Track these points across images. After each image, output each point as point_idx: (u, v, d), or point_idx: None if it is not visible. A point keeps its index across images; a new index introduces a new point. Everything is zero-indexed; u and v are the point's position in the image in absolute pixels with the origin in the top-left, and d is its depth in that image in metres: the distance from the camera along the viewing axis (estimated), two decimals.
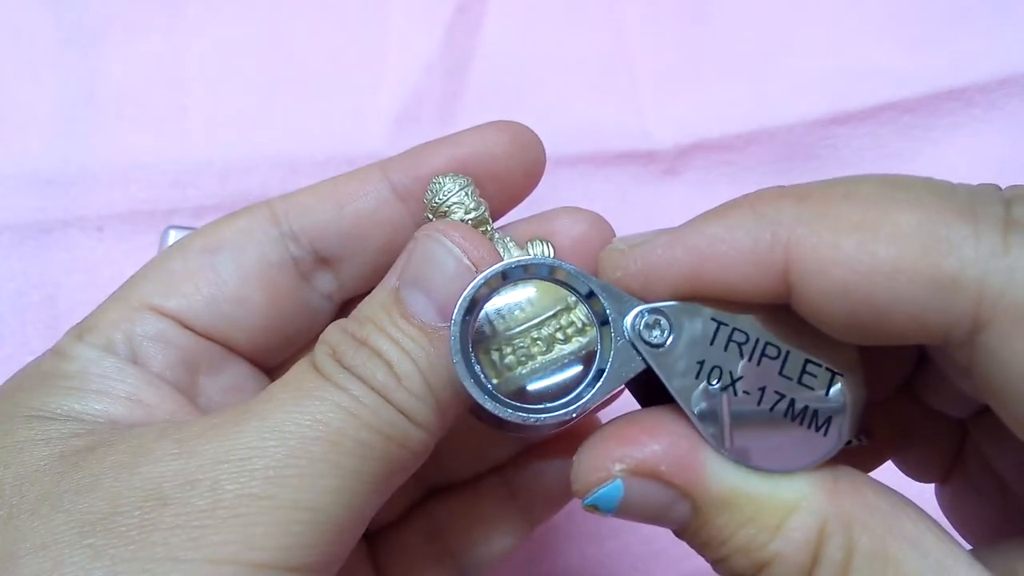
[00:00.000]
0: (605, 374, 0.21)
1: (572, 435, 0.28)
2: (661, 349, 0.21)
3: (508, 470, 0.29)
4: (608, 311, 0.21)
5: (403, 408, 0.22)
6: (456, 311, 0.21)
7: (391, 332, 0.22)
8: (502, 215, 0.27)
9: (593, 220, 0.27)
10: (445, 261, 0.23)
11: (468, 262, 0.22)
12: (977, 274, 0.18)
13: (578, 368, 0.22)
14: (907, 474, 0.26)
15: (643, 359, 0.21)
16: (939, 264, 0.18)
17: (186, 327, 0.25)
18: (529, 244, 0.26)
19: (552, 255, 0.25)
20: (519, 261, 0.22)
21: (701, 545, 0.21)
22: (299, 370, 0.22)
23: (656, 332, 0.21)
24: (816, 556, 0.19)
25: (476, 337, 0.22)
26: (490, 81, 0.43)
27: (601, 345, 0.22)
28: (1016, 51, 0.42)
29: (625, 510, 0.21)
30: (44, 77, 0.42)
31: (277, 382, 0.22)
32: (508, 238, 0.26)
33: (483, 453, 0.29)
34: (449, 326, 0.21)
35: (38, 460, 0.21)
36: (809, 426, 0.21)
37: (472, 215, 0.25)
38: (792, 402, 0.21)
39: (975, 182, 0.20)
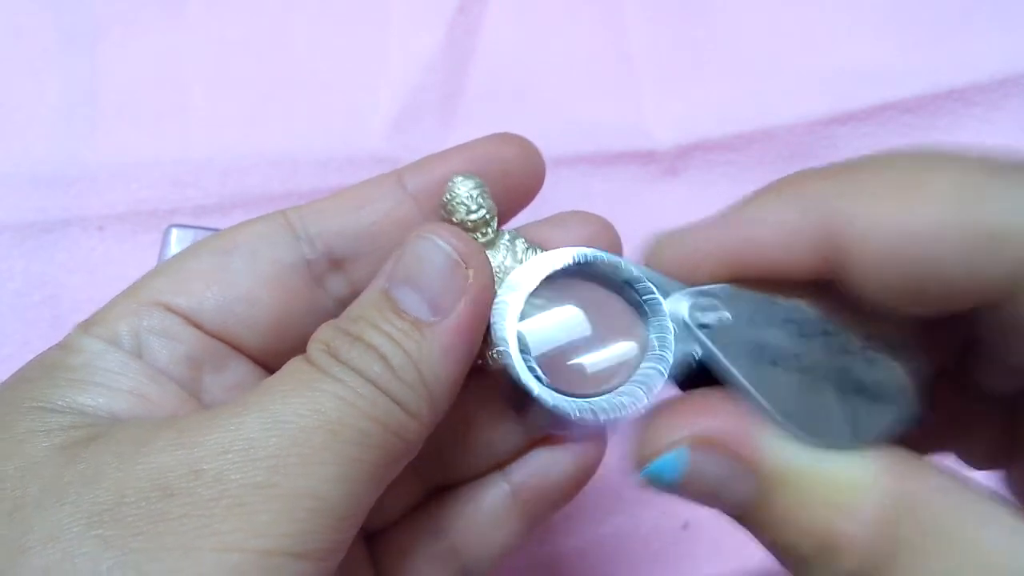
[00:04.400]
0: (671, 360, 0.21)
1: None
2: (717, 330, 0.21)
3: (509, 468, 0.29)
4: (657, 297, 0.21)
5: (399, 399, 0.22)
6: (508, 317, 0.22)
7: (384, 327, 0.23)
8: (507, 219, 0.28)
9: (600, 224, 0.28)
10: (434, 257, 0.23)
11: (457, 257, 0.23)
12: (1019, 223, 0.18)
13: (632, 356, 0.22)
14: (970, 464, 0.25)
15: (701, 342, 0.21)
16: (978, 217, 0.18)
17: (194, 324, 0.25)
18: (525, 252, 0.26)
19: None
20: (571, 254, 0.22)
21: (763, 527, 0.20)
22: (294, 366, 0.23)
23: (711, 314, 0.21)
24: (888, 537, 0.19)
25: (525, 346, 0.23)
26: (490, 81, 0.43)
27: (654, 334, 0.21)
28: (1016, 52, 0.42)
29: (688, 483, 0.20)
30: (45, 77, 0.42)
31: (272, 377, 0.23)
32: (520, 240, 0.26)
33: (485, 451, 0.29)
34: (440, 320, 0.22)
35: (40, 452, 0.21)
36: (871, 401, 0.20)
37: (473, 216, 0.26)
38: (852, 378, 0.20)
39: None
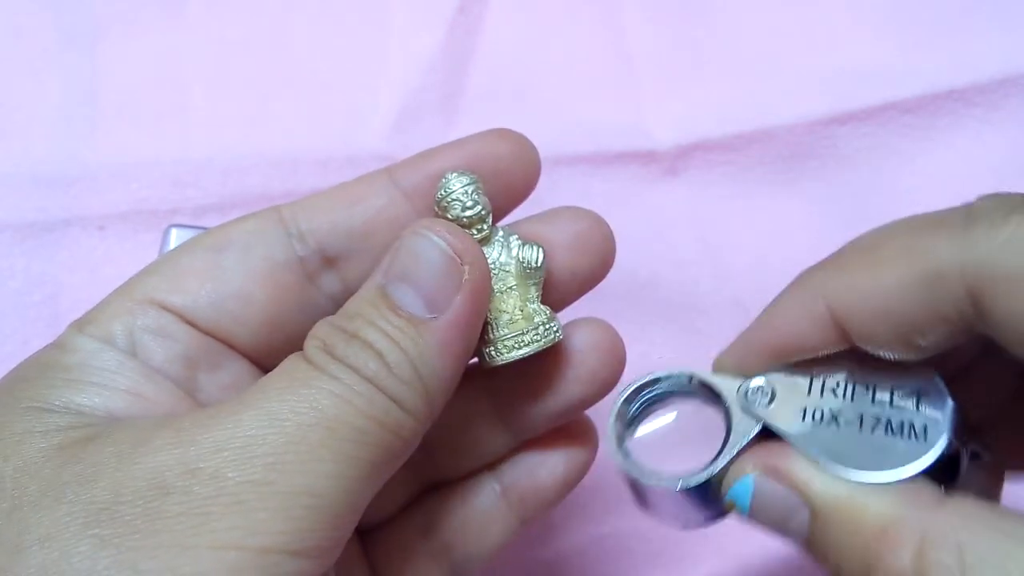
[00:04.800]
0: (731, 438, 0.26)
1: (563, 434, 0.29)
2: (770, 407, 0.25)
3: (500, 468, 0.29)
4: (724, 393, 0.26)
5: (395, 396, 0.22)
6: (612, 426, 0.27)
7: (380, 324, 0.23)
8: (502, 216, 0.28)
9: (592, 219, 0.28)
10: (429, 253, 0.24)
11: (452, 253, 0.24)
12: (950, 263, 0.21)
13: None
14: None
15: (757, 418, 0.25)
16: (919, 266, 0.22)
17: (188, 322, 0.25)
18: (520, 248, 0.26)
19: (542, 259, 0.26)
20: (655, 376, 0.27)
21: (819, 557, 0.23)
22: (290, 363, 0.23)
23: (761, 397, 0.25)
24: (924, 566, 0.20)
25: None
26: (490, 80, 0.43)
27: (727, 421, 0.26)
28: (1016, 52, 0.42)
29: (758, 509, 0.24)
30: (45, 77, 0.42)
31: (269, 375, 0.23)
32: (513, 236, 0.26)
33: (476, 450, 0.29)
34: (436, 317, 0.23)
35: (37, 452, 0.21)
36: (909, 437, 0.24)
37: (468, 212, 0.26)
38: (889, 421, 0.24)
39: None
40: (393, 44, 0.43)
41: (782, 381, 0.26)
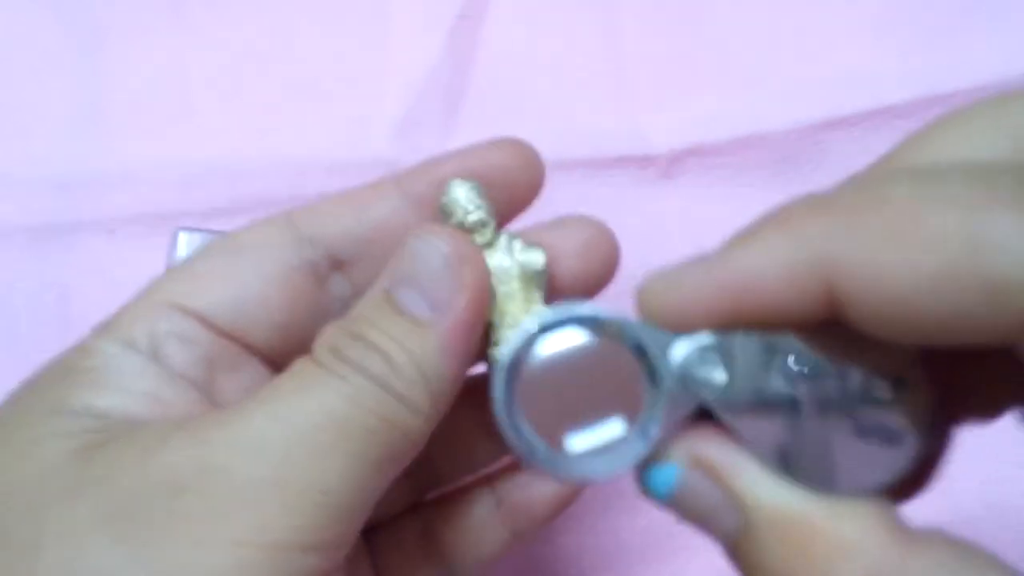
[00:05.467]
0: (651, 412, 0.20)
1: None
2: (715, 384, 0.20)
3: (499, 481, 0.30)
4: (653, 353, 0.20)
5: (400, 396, 0.23)
6: (501, 371, 0.21)
7: (384, 326, 0.23)
8: (506, 223, 0.28)
9: (597, 227, 0.28)
10: (431, 257, 0.24)
11: (452, 256, 0.24)
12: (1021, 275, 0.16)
13: (617, 438, 0.21)
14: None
15: (695, 397, 0.20)
16: (979, 270, 0.16)
17: (208, 325, 0.26)
18: (523, 252, 0.27)
19: (544, 261, 0.27)
20: (558, 315, 0.21)
21: (744, 565, 0.20)
22: (300, 365, 0.23)
23: (709, 368, 0.20)
24: None
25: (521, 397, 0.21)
26: (490, 87, 0.43)
27: (649, 404, 0.20)
28: (1003, 57, 0.42)
29: (679, 500, 0.20)
30: (55, 82, 0.43)
31: (279, 377, 0.23)
32: (516, 240, 0.27)
33: (469, 460, 0.30)
34: (439, 318, 0.23)
35: (56, 454, 0.22)
36: (880, 442, 0.19)
37: (471, 217, 0.26)
38: (858, 420, 0.19)
39: None
40: (395, 51, 0.43)
41: (735, 350, 0.20)
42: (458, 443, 0.29)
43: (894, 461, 0.19)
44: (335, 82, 0.43)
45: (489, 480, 0.30)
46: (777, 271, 0.18)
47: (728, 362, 0.20)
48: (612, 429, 0.21)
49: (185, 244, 0.37)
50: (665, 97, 0.43)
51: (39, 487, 0.22)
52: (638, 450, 0.20)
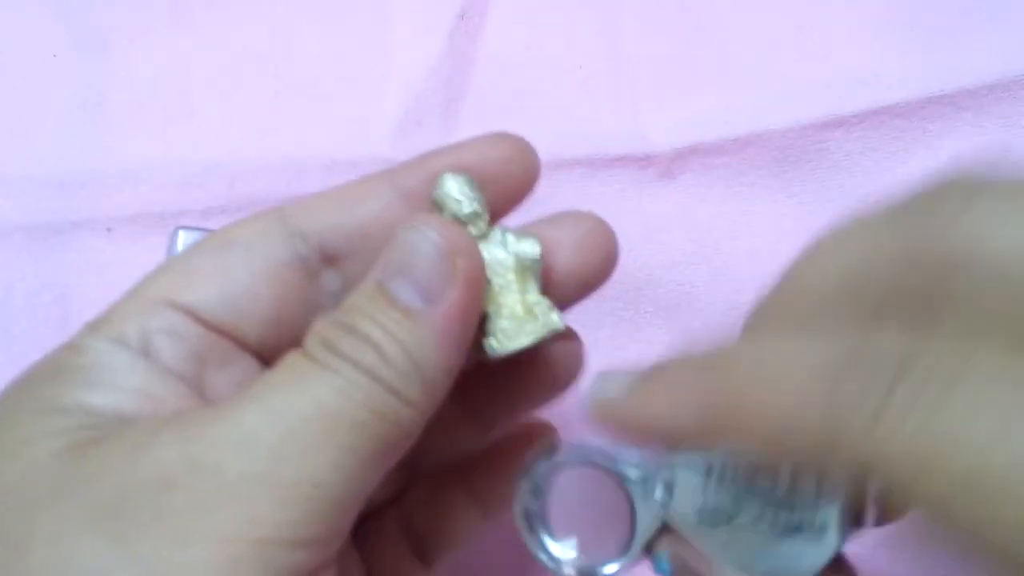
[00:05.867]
0: (636, 529, 0.24)
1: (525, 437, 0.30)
2: (669, 500, 0.23)
3: (469, 470, 0.30)
4: (623, 475, 0.24)
5: (392, 387, 0.23)
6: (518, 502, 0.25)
7: (376, 317, 0.23)
8: (502, 217, 0.28)
9: (595, 222, 0.28)
10: (421, 246, 0.24)
11: (444, 245, 0.24)
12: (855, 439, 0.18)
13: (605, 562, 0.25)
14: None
15: (657, 515, 0.23)
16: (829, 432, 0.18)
17: (198, 320, 0.26)
18: (515, 239, 0.27)
19: (539, 251, 0.27)
20: (550, 455, 0.25)
21: None
22: (290, 359, 0.23)
23: (658, 489, 0.23)
24: None
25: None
26: (490, 86, 0.43)
27: (630, 502, 0.24)
28: (1003, 57, 0.42)
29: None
30: (54, 82, 0.43)
31: (269, 371, 0.23)
32: (510, 232, 0.27)
33: (447, 447, 0.30)
34: (431, 308, 0.23)
35: (46, 453, 0.22)
36: (807, 536, 0.22)
37: (464, 209, 0.26)
38: (788, 518, 0.22)
39: None
40: (395, 50, 0.43)
41: (678, 468, 0.23)
42: (438, 430, 0.29)
43: (820, 550, 0.22)
44: (335, 82, 0.43)
45: (463, 470, 0.30)
46: (673, 424, 0.21)
47: (671, 485, 0.23)
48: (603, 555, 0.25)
49: (184, 243, 0.37)
50: (665, 96, 0.43)
51: (30, 486, 0.21)
52: (632, 557, 0.24)
